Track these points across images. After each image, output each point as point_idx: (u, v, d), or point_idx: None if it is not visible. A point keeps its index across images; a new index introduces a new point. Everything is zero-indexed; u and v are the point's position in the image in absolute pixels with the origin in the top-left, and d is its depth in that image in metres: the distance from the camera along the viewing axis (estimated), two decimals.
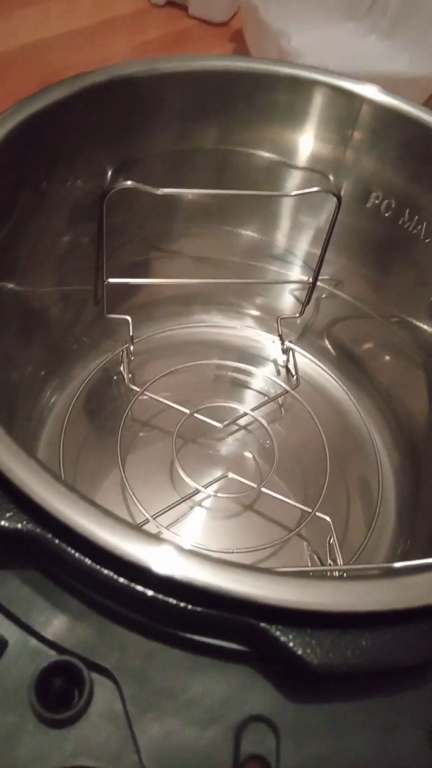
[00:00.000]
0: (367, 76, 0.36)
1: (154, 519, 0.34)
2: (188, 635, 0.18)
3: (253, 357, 0.44)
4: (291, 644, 0.17)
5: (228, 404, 0.41)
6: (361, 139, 0.36)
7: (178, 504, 0.35)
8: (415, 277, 0.38)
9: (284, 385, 0.42)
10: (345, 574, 0.32)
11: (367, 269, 0.41)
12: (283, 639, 0.17)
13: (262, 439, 0.40)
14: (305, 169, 0.38)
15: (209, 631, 0.18)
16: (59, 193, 0.33)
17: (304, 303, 0.43)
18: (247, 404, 0.41)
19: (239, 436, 0.40)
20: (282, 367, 0.44)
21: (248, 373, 0.43)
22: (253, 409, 0.40)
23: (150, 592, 0.17)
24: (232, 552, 0.34)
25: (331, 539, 0.35)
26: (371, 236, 0.39)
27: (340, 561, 0.34)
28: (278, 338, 0.44)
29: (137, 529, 0.17)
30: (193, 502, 0.36)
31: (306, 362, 0.44)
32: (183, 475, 0.36)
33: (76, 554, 0.17)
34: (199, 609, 0.17)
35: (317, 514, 0.35)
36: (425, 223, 0.36)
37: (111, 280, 0.39)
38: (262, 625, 0.17)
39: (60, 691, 0.17)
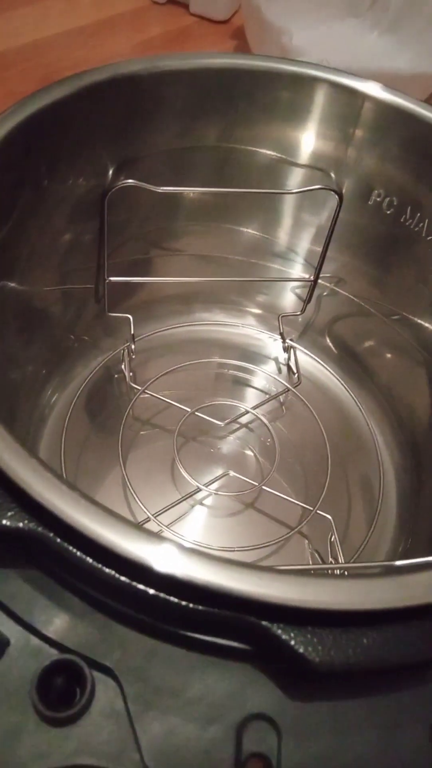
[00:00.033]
0: (368, 73, 0.36)
1: (155, 517, 0.34)
2: (189, 634, 0.18)
3: (255, 355, 0.44)
4: (292, 642, 0.17)
5: (229, 402, 0.41)
6: (363, 136, 0.36)
7: (179, 502, 0.35)
8: (416, 275, 0.38)
9: (285, 383, 0.42)
10: (346, 573, 0.32)
11: (369, 267, 0.41)
12: (284, 637, 0.17)
13: (263, 437, 0.40)
14: (307, 167, 0.38)
15: (210, 629, 0.18)
16: (60, 191, 0.33)
17: (306, 301, 0.43)
18: (249, 402, 0.41)
19: (240, 435, 0.40)
20: (283, 365, 0.44)
21: (249, 371, 0.43)
22: (254, 408, 0.40)
23: (151, 591, 0.17)
24: (233, 550, 0.34)
25: (333, 537, 0.35)
26: (373, 234, 0.39)
27: (341, 559, 0.34)
28: (279, 336, 0.44)
29: (138, 527, 0.17)
30: (194, 501, 0.36)
31: (307, 360, 0.44)
32: (184, 474, 0.36)
33: (78, 553, 0.17)
34: (200, 607, 0.17)
35: (318, 512, 0.35)
36: (427, 221, 0.36)
37: (112, 278, 0.39)
38: (264, 623, 0.17)
39: (61, 689, 0.17)
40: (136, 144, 0.35)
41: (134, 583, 0.17)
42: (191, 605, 0.17)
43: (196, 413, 0.38)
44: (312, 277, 0.42)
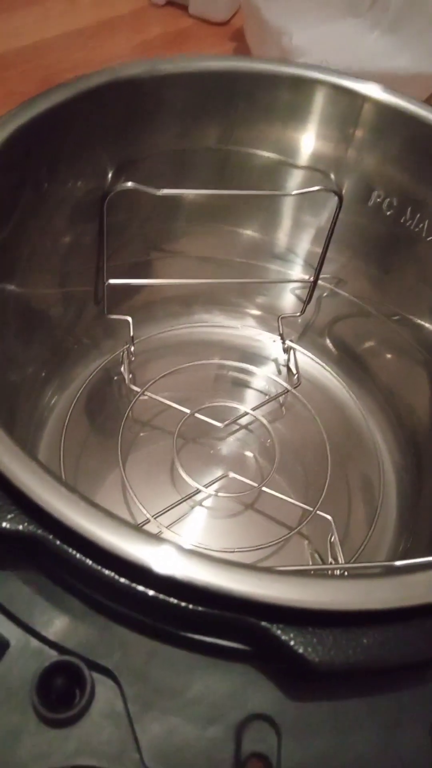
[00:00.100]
0: (369, 73, 0.36)
1: (154, 519, 0.34)
2: (189, 635, 0.18)
3: (254, 356, 0.44)
4: (292, 643, 0.17)
5: (229, 404, 0.41)
6: (363, 137, 0.36)
7: (179, 504, 0.35)
8: (416, 275, 0.38)
9: (285, 384, 0.42)
10: (346, 573, 0.32)
11: (369, 267, 0.41)
12: (284, 638, 0.17)
13: (263, 438, 0.40)
14: (307, 168, 0.38)
15: (210, 630, 0.18)
16: (60, 193, 0.33)
17: (306, 302, 0.43)
18: (248, 403, 0.41)
19: (240, 436, 0.40)
20: (283, 366, 0.44)
21: (249, 373, 0.43)
22: (254, 409, 0.40)
23: (151, 592, 0.17)
24: (233, 551, 0.34)
25: (333, 538, 0.35)
26: (373, 234, 0.39)
27: (341, 559, 0.34)
28: (279, 337, 0.44)
29: (138, 529, 0.17)
30: (194, 502, 0.36)
31: (307, 361, 0.44)
32: (184, 475, 0.36)
33: (78, 555, 0.18)
34: (200, 608, 0.17)
35: (318, 512, 0.35)
36: (427, 221, 0.36)
37: (111, 281, 0.39)
38: (263, 624, 0.17)
39: (61, 690, 0.17)
40: (136, 146, 0.35)
41: (134, 585, 0.17)
42: (191, 606, 0.17)
43: (196, 415, 0.38)
44: (312, 278, 0.42)
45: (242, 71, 0.35)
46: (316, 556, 0.35)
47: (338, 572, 0.33)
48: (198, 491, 0.35)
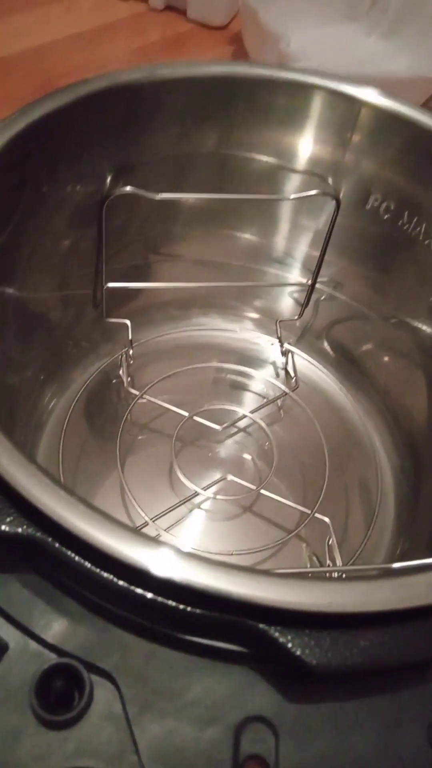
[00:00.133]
0: (367, 76, 0.36)
1: (153, 522, 0.34)
2: (188, 637, 0.18)
3: (252, 359, 0.44)
4: (290, 645, 0.17)
5: (227, 407, 0.41)
6: (360, 141, 0.36)
7: (178, 506, 0.35)
8: (414, 279, 0.38)
9: (283, 387, 0.42)
10: (344, 575, 0.32)
11: (367, 271, 0.41)
12: (282, 640, 0.17)
13: (261, 441, 0.40)
14: (304, 172, 0.38)
15: (208, 632, 0.18)
16: (59, 196, 0.34)
17: (303, 305, 0.43)
18: (246, 406, 0.41)
19: (238, 439, 0.40)
20: (281, 369, 0.44)
21: (247, 376, 0.43)
22: (252, 412, 0.40)
23: (149, 595, 0.17)
24: (231, 554, 0.34)
25: (330, 540, 0.35)
26: (370, 238, 0.39)
27: (339, 562, 0.34)
28: (277, 340, 0.44)
29: (136, 532, 0.18)
30: (193, 505, 0.36)
31: (305, 364, 0.44)
32: (182, 478, 0.36)
33: (76, 558, 0.18)
34: (198, 611, 0.17)
35: (316, 515, 0.35)
36: (424, 225, 0.36)
37: (110, 284, 0.39)
38: (261, 626, 0.17)
39: (60, 693, 0.17)
40: (135, 150, 0.35)
41: (132, 587, 0.17)
42: (189, 609, 0.17)
43: (194, 418, 0.38)
44: (310, 282, 0.42)
45: (240, 76, 0.35)
46: (314, 558, 0.35)
47: (336, 575, 0.33)
48: (196, 494, 0.36)
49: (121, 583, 0.17)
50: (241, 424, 0.40)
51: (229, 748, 0.17)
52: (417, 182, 0.36)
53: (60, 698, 0.17)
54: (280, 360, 0.44)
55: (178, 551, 0.17)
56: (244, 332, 0.45)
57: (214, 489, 0.36)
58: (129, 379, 0.40)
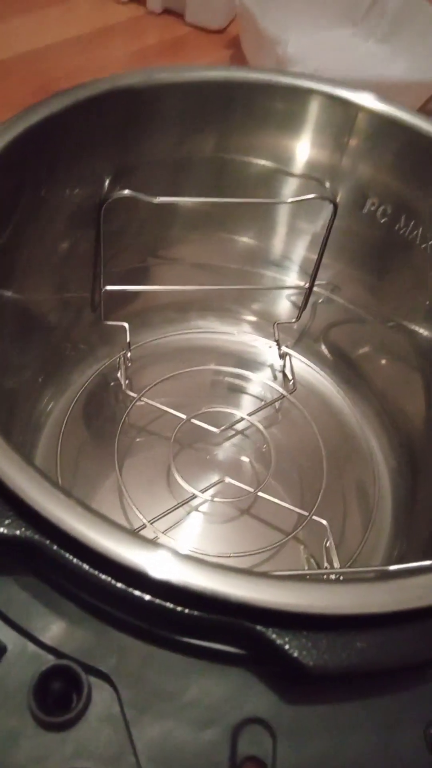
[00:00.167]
0: (364, 81, 0.36)
1: (151, 524, 0.34)
2: (185, 639, 0.18)
3: (250, 362, 0.44)
4: (287, 647, 0.17)
5: (225, 409, 0.41)
6: (357, 145, 0.37)
7: (175, 509, 0.35)
8: (411, 282, 0.38)
9: (281, 390, 0.42)
10: (341, 577, 0.32)
11: (364, 274, 0.41)
12: (279, 641, 0.17)
13: (259, 443, 0.40)
14: (302, 176, 0.39)
15: (206, 634, 0.18)
16: (58, 199, 0.34)
17: (301, 308, 0.44)
18: (244, 409, 0.41)
19: (236, 441, 0.40)
20: (279, 371, 0.44)
21: (245, 379, 0.43)
22: (249, 414, 0.40)
23: (147, 597, 0.17)
24: (229, 556, 0.34)
25: (328, 542, 0.35)
26: (368, 242, 0.39)
27: (336, 564, 0.34)
28: (275, 343, 0.44)
29: (134, 534, 0.18)
30: (190, 507, 0.36)
31: (302, 367, 0.44)
32: (180, 480, 0.36)
33: (74, 560, 0.18)
34: (195, 613, 0.17)
35: (314, 517, 0.35)
36: (421, 229, 0.36)
37: (108, 287, 0.39)
38: (259, 628, 0.17)
39: (58, 694, 0.17)
40: (133, 154, 0.36)
41: (130, 589, 0.17)
42: (187, 611, 0.17)
43: (192, 420, 0.38)
44: (307, 285, 0.42)
45: (238, 81, 0.35)
46: (312, 560, 0.35)
47: (333, 577, 0.33)
48: (194, 496, 0.36)
49: (119, 585, 0.17)
50: (239, 426, 0.40)
51: (226, 749, 0.17)
52: (413, 186, 0.36)
53: (58, 700, 0.17)
54: (278, 363, 0.44)
55: (176, 553, 0.17)
56: (241, 335, 0.46)
57: (211, 491, 0.36)
58: (127, 381, 0.40)
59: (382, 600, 0.18)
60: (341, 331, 0.44)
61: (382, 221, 0.38)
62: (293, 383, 0.42)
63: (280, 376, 0.44)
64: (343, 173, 0.38)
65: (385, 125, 0.35)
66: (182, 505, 0.35)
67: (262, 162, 0.38)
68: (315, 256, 0.40)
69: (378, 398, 0.42)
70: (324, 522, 0.35)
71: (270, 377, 0.44)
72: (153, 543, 0.17)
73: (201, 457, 0.39)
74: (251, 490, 0.36)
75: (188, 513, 0.36)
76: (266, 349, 0.45)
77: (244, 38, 0.62)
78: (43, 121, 0.30)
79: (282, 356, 0.44)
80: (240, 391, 0.43)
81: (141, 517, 0.34)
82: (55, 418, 0.39)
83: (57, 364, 0.40)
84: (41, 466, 0.19)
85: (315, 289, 0.42)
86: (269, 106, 0.36)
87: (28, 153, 0.30)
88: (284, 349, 0.44)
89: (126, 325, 0.41)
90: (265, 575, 0.18)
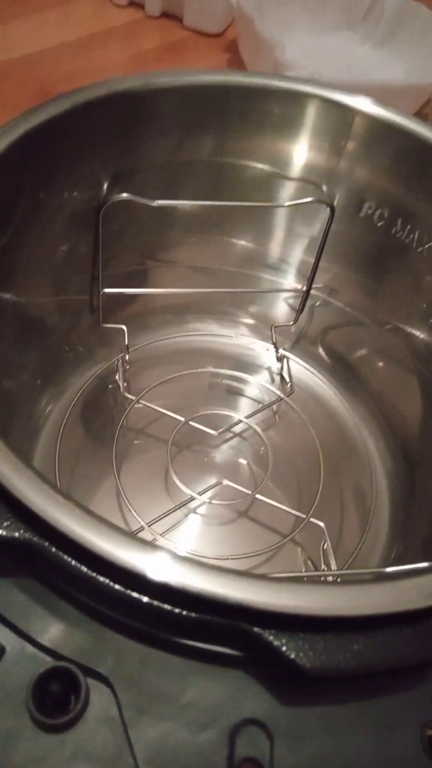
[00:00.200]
0: (361, 85, 0.36)
1: (149, 526, 0.34)
2: (183, 640, 0.18)
3: (248, 365, 0.45)
4: (284, 648, 0.17)
5: (223, 412, 0.41)
6: (354, 149, 0.37)
7: (173, 511, 0.35)
8: (408, 285, 0.38)
9: (278, 393, 0.42)
10: (338, 579, 0.32)
11: (361, 277, 0.41)
12: (276, 643, 0.17)
13: (257, 446, 0.40)
14: (299, 180, 0.39)
15: (204, 636, 0.18)
16: (56, 202, 0.34)
17: (298, 311, 0.44)
18: (242, 412, 0.41)
19: (234, 444, 0.40)
20: (276, 374, 0.44)
21: (243, 381, 0.44)
22: (247, 417, 0.40)
23: (145, 599, 0.17)
24: (227, 558, 0.34)
25: (325, 545, 0.35)
26: (365, 245, 0.39)
27: (333, 566, 0.34)
28: (272, 346, 0.44)
29: (132, 536, 0.18)
30: (188, 510, 0.36)
31: (300, 370, 0.44)
32: (178, 483, 0.36)
33: (73, 562, 0.18)
34: (193, 615, 0.17)
35: (311, 519, 0.35)
36: (417, 233, 0.36)
37: (106, 290, 0.39)
38: (256, 629, 0.17)
39: (57, 696, 0.17)
40: (131, 157, 0.36)
41: (128, 591, 0.17)
42: (185, 612, 0.17)
43: (190, 423, 0.39)
44: (304, 288, 0.42)
45: (235, 85, 0.35)
46: (309, 562, 0.35)
47: (331, 579, 0.33)
48: (192, 499, 0.36)
49: (117, 587, 0.17)
50: (237, 429, 0.40)
51: (224, 750, 0.17)
52: (410, 190, 0.36)
53: (56, 702, 0.17)
54: (276, 365, 0.44)
55: (174, 555, 0.17)
56: (239, 338, 0.46)
57: (209, 494, 0.37)
58: (125, 384, 0.40)
59: (379, 602, 0.18)
60: (338, 334, 0.44)
61: (378, 225, 0.38)
62: (291, 386, 0.42)
63: (277, 378, 0.44)
64: (340, 177, 0.38)
65: (381, 129, 0.35)
66: (180, 507, 0.35)
67: (260, 165, 0.38)
68: (312, 260, 0.40)
69: (375, 401, 0.42)
70: (321, 524, 0.35)
71: (267, 380, 0.44)
72: (151, 545, 0.18)
73: (199, 460, 0.39)
74: (249, 492, 0.36)
75: (186, 515, 0.36)
76: (264, 352, 0.45)
77: (242, 42, 0.63)
78: (42, 124, 0.30)
79: (279, 359, 0.44)
80: (238, 393, 0.43)
81: (139, 519, 0.34)
82: (54, 420, 0.39)
83: (55, 366, 0.40)
84: (39, 468, 0.19)
85: (312, 292, 0.42)
86: (267, 109, 0.36)
87: (28, 155, 0.30)
88: (281, 351, 0.44)
89: (124, 327, 0.41)
90: (262, 577, 0.18)
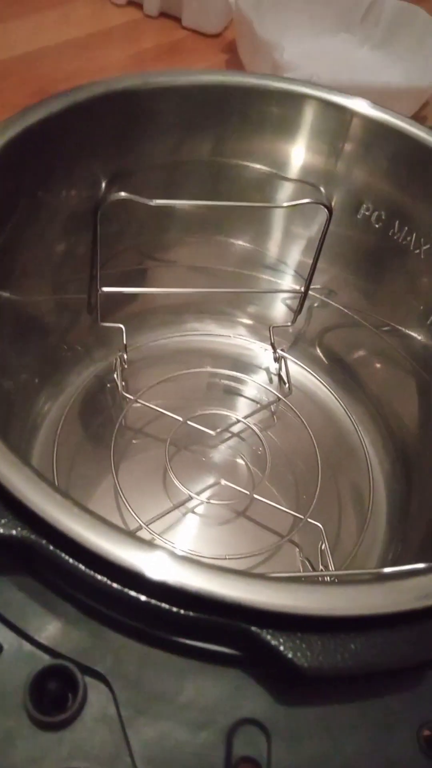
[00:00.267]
0: (359, 87, 0.36)
1: (147, 526, 0.34)
2: (181, 640, 0.18)
3: (246, 365, 0.45)
4: (282, 648, 0.17)
5: (221, 412, 0.41)
6: (352, 151, 0.37)
7: (171, 511, 0.35)
8: (405, 287, 0.38)
9: (276, 393, 0.42)
10: (336, 580, 0.32)
11: (359, 279, 0.41)
12: (274, 643, 0.17)
13: (255, 446, 0.40)
14: (297, 181, 0.39)
15: (202, 635, 0.18)
16: (55, 202, 0.34)
17: (296, 312, 0.44)
18: (240, 412, 0.41)
19: (232, 444, 0.40)
20: (274, 375, 0.44)
21: (241, 381, 0.44)
22: (245, 417, 0.40)
23: (143, 598, 0.17)
24: (225, 558, 0.34)
25: (323, 545, 0.35)
26: (362, 246, 0.40)
27: (331, 567, 0.34)
28: (270, 347, 0.44)
29: (131, 535, 0.18)
30: (186, 509, 0.36)
31: (298, 370, 0.44)
32: (176, 482, 0.36)
33: (71, 560, 0.18)
34: (191, 614, 0.17)
35: (309, 520, 0.35)
36: (414, 234, 0.36)
37: (105, 289, 0.39)
38: (254, 629, 0.17)
39: (54, 694, 0.17)
40: (129, 157, 0.36)
41: (126, 590, 0.17)
42: (183, 612, 0.17)
43: (188, 422, 0.39)
44: (303, 289, 0.42)
45: (234, 86, 0.35)
46: (307, 563, 0.35)
47: (328, 579, 0.33)
48: (190, 498, 0.36)
49: (115, 585, 0.17)
50: (235, 429, 0.40)
51: (221, 750, 0.17)
52: (407, 192, 0.36)
53: (54, 700, 0.17)
54: (274, 366, 0.44)
55: (173, 554, 0.17)
56: (237, 338, 0.46)
57: (207, 493, 0.37)
58: (123, 383, 0.40)
59: (377, 602, 0.18)
60: (336, 335, 0.44)
61: (376, 226, 0.38)
62: (289, 386, 0.42)
63: (275, 379, 0.44)
64: (338, 178, 0.38)
65: (379, 131, 0.35)
66: (178, 507, 0.36)
67: (258, 166, 0.38)
68: (310, 261, 0.40)
69: (373, 402, 0.42)
70: (319, 525, 0.35)
71: (266, 380, 0.44)
72: (149, 544, 0.18)
73: (197, 460, 0.39)
74: (247, 492, 0.36)
75: (184, 515, 0.36)
76: (262, 353, 0.45)
77: (241, 43, 0.63)
78: (39, 124, 0.30)
79: (277, 359, 0.44)
80: (236, 393, 0.43)
81: (137, 518, 0.34)
82: (52, 419, 0.39)
83: (54, 365, 0.40)
84: (38, 467, 0.19)
85: (310, 293, 0.42)
86: (265, 110, 0.36)
87: (26, 154, 0.30)
88: (280, 352, 0.44)
89: (122, 327, 0.41)
90: (260, 577, 0.18)
